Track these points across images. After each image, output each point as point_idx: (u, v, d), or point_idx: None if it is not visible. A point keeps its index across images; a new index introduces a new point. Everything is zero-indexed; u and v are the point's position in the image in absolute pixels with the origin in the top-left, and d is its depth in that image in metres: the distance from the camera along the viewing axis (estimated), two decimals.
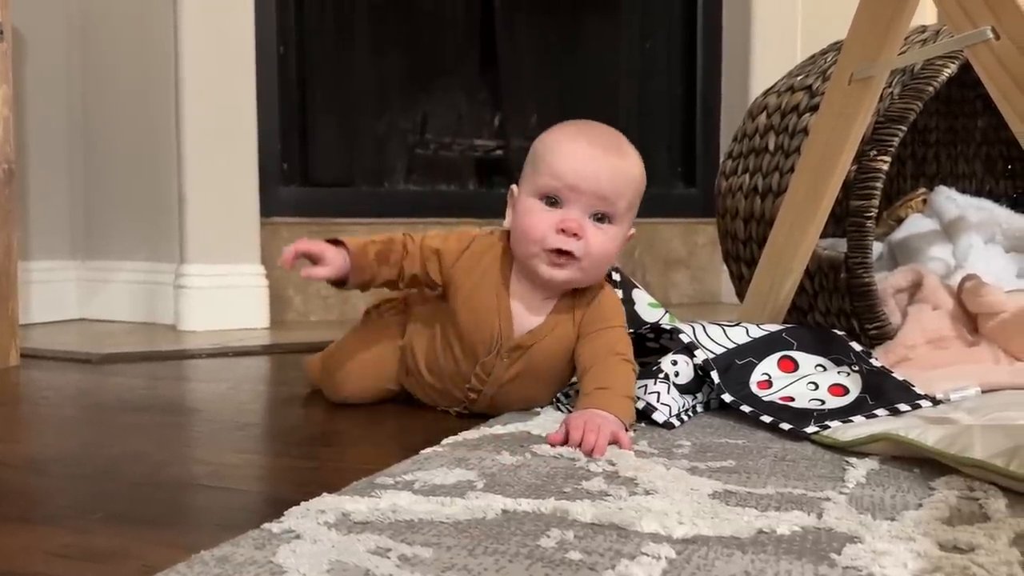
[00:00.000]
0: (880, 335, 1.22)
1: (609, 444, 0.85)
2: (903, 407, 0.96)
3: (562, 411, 1.04)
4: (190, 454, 0.95)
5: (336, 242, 1.00)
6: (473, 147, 2.44)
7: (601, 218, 0.96)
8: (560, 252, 0.94)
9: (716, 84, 2.49)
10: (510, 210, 1.01)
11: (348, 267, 0.99)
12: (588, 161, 0.95)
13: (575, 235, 0.94)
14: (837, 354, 1.08)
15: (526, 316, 0.99)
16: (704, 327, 1.08)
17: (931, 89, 1.22)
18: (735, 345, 1.07)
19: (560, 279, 0.96)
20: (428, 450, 0.85)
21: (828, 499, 0.70)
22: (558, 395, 1.07)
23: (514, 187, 1.01)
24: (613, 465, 0.80)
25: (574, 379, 1.03)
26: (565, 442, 0.85)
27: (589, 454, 0.82)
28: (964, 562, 0.56)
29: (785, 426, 0.92)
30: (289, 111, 2.15)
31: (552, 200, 0.95)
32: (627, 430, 0.89)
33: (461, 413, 1.06)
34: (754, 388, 1.02)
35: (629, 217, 0.99)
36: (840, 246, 1.27)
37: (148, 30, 1.97)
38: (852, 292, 1.24)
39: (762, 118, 1.48)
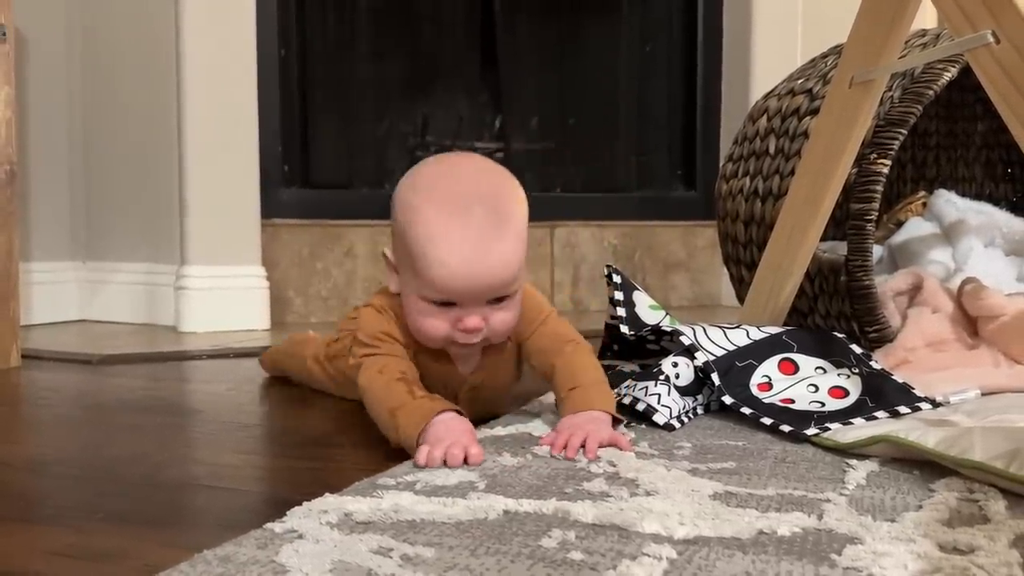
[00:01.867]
0: (880, 338, 1.22)
1: (608, 446, 0.85)
2: (903, 409, 0.96)
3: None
4: (191, 455, 0.95)
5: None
6: (473, 149, 2.44)
7: (500, 299, 0.90)
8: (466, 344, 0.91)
9: (716, 87, 2.49)
10: (392, 276, 0.94)
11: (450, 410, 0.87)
12: (473, 266, 0.85)
13: (478, 330, 0.89)
14: (837, 356, 1.08)
15: (467, 365, 0.98)
16: (704, 329, 1.09)
17: (931, 93, 1.22)
18: (735, 347, 1.07)
19: (473, 352, 0.96)
20: None
21: (828, 500, 0.70)
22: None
23: (387, 252, 0.94)
24: (614, 466, 0.80)
25: None
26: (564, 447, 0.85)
27: (588, 453, 0.83)
28: (964, 563, 0.56)
29: (785, 428, 0.93)
30: (290, 113, 2.15)
31: (443, 302, 0.88)
32: (616, 422, 0.90)
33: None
34: (754, 390, 1.02)
35: (523, 274, 0.92)
36: (840, 249, 1.28)
37: (150, 31, 1.98)
38: (852, 295, 1.24)
39: (762, 121, 1.49)
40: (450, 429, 0.83)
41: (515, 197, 0.90)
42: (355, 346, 0.96)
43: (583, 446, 0.84)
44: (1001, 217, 1.50)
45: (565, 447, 0.84)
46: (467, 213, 0.86)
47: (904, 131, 1.21)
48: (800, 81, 1.46)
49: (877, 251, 1.47)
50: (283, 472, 0.91)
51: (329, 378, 1.22)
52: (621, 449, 0.85)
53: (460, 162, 0.95)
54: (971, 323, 1.22)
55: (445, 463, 0.79)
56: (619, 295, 1.13)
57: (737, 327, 1.11)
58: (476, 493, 0.71)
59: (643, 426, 0.97)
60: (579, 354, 0.97)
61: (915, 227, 1.49)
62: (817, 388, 1.03)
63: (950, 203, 1.51)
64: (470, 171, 0.91)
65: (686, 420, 0.99)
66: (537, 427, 0.96)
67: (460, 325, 0.89)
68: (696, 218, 2.48)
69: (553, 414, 1.03)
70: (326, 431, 1.06)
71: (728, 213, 1.53)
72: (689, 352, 1.04)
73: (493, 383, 1.02)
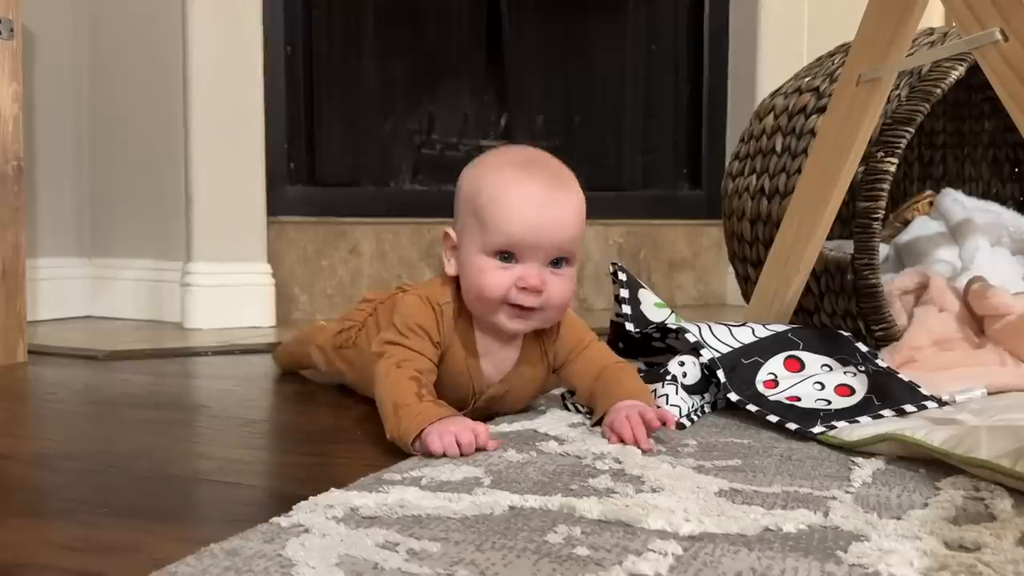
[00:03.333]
0: (886, 336, 1.22)
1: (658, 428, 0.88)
2: (909, 408, 0.96)
3: (569, 409, 1.04)
4: (197, 450, 0.96)
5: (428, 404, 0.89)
6: (479, 147, 2.44)
7: (559, 262, 0.91)
8: (522, 306, 0.91)
9: (722, 85, 2.49)
10: (451, 259, 0.95)
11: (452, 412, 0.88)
12: (542, 212, 0.88)
13: (539, 291, 0.90)
14: (843, 355, 1.08)
15: (496, 370, 0.98)
16: (710, 327, 1.09)
17: (938, 91, 1.22)
18: (741, 344, 1.07)
19: (524, 329, 0.95)
20: None
21: (834, 498, 0.70)
22: (564, 392, 1.07)
23: (450, 231, 0.96)
24: (620, 463, 0.80)
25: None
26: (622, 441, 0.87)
27: (651, 427, 0.86)
28: (970, 560, 0.56)
29: (791, 426, 0.93)
30: (296, 110, 2.15)
31: (506, 255, 0.90)
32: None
33: None
34: (760, 387, 1.02)
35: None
36: (847, 247, 1.27)
37: (156, 29, 1.98)
38: (858, 293, 1.24)
39: (769, 119, 1.48)
40: (455, 420, 0.84)
41: (572, 174, 0.95)
42: (386, 330, 0.96)
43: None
44: (1008, 216, 1.50)
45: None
46: (535, 168, 0.92)
47: (911, 129, 1.21)
48: (807, 79, 1.46)
49: (883, 250, 1.47)
50: (289, 467, 0.91)
51: (334, 368, 1.21)
52: (667, 424, 0.88)
53: (521, 146, 1.00)
54: (977, 322, 1.22)
55: (459, 447, 0.81)
56: (624, 293, 1.13)
57: (743, 325, 1.11)
58: (482, 488, 0.71)
59: None
60: (624, 370, 0.98)
61: (922, 226, 1.49)
62: (823, 386, 1.03)
63: (957, 202, 1.51)
64: (531, 150, 0.97)
65: (696, 418, 1.00)
66: (543, 424, 0.96)
67: (521, 282, 0.90)
68: (701, 217, 2.48)
69: (558, 409, 1.03)
70: (332, 427, 1.06)
71: (734, 211, 1.52)
72: (695, 350, 1.04)
73: (514, 397, 1.01)
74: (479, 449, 0.82)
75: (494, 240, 0.89)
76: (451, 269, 0.96)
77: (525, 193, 0.89)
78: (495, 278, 0.90)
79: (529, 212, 0.88)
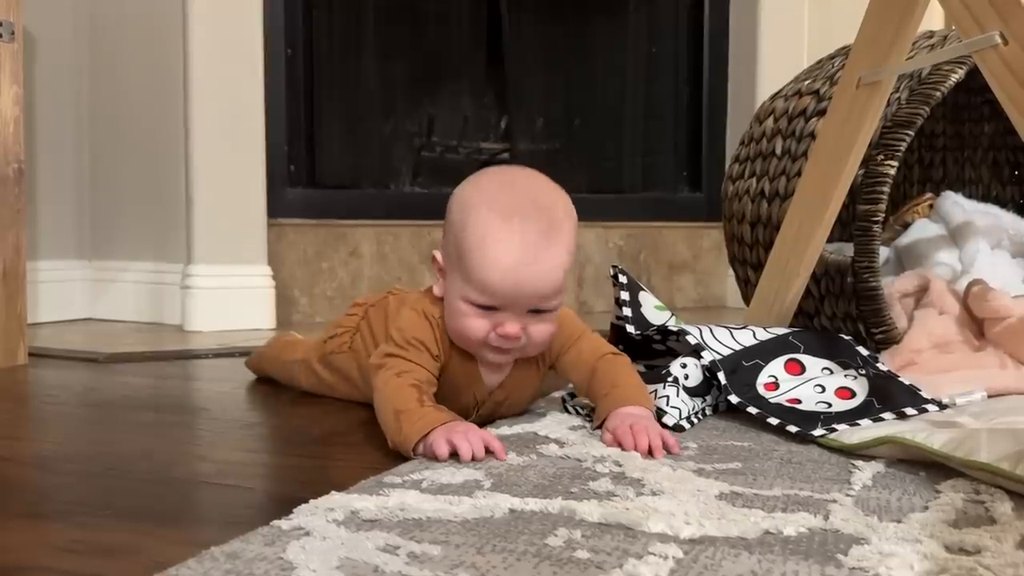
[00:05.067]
0: (886, 339, 1.22)
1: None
2: (909, 411, 0.96)
3: (569, 412, 1.04)
4: (197, 452, 0.96)
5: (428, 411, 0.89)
6: (479, 149, 2.45)
7: (541, 311, 0.91)
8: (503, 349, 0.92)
9: (722, 88, 2.49)
10: (439, 279, 0.95)
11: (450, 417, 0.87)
12: (523, 271, 0.86)
13: (517, 339, 0.90)
14: (844, 357, 1.08)
15: (495, 375, 0.98)
16: (711, 329, 1.09)
17: (938, 94, 1.22)
18: (742, 347, 1.07)
19: (507, 361, 0.96)
20: None
21: (834, 501, 0.70)
22: (564, 395, 1.07)
23: (438, 256, 0.95)
24: (620, 466, 0.80)
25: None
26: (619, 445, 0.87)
27: (649, 454, 0.84)
28: (971, 564, 0.56)
29: (792, 428, 0.93)
30: (296, 113, 2.16)
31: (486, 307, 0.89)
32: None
33: None
34: (761, 390, 1.02)
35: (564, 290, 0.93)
36: (847, 250, 1.27)
37: (157, 31, 1.98)
38: (859, 296, 1.24)
39: (769, 122, 1.48)
40: (460, 423, 0.84)
41: (568, 213, 0.92)
42: (384, 343, 0.96)
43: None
44: (1008, 219, 1.50)
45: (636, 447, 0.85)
46: (523, 220, 0.88)
47: (911, 132, 1.21)
48: (807, 82, 1.46)
49: (884, 253, 1.47)
50: (290, 470, 0.91)
51: (320, 381, 1.20)
52: (670, 451, 0.86)
53: (520, 174, 0.96)
54: (977, 325, 1.22)
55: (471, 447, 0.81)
56: (625, 295, 1.13)
57: (743, 328, 1.11)
58: (482, 492, 0.71)
59: None
60: (618, 361, 0.98)
61: (921, 229, 1.49)
62: (824, 389, 1.03)
63: (957, 205, 1.51)
64: (530, 183, 0.94)
65: (696, 421, 1.00)
66: (543, 427, 0.96)
67: (500, 330, 0.89)
68: (701, 219, 2.48)
69: (558, 412, 1.04)
70: (332, 430, 1.06)
71: (734, 214, 1.52)
72: (696, 352, 1.04)
73: (513, 400, 1.01)
74: (489, 453, 0.82)
75: (472, 293, 0.89)
76: (439, 290, 0.95)
77: (507, 252, 0.86)
78: (474, 324, 0.90)
79: (510, 273, 0.87)
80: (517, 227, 0.87)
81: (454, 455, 0.81)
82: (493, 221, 0.88)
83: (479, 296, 0.89)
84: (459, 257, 0.90)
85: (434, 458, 0.81)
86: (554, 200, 0.92)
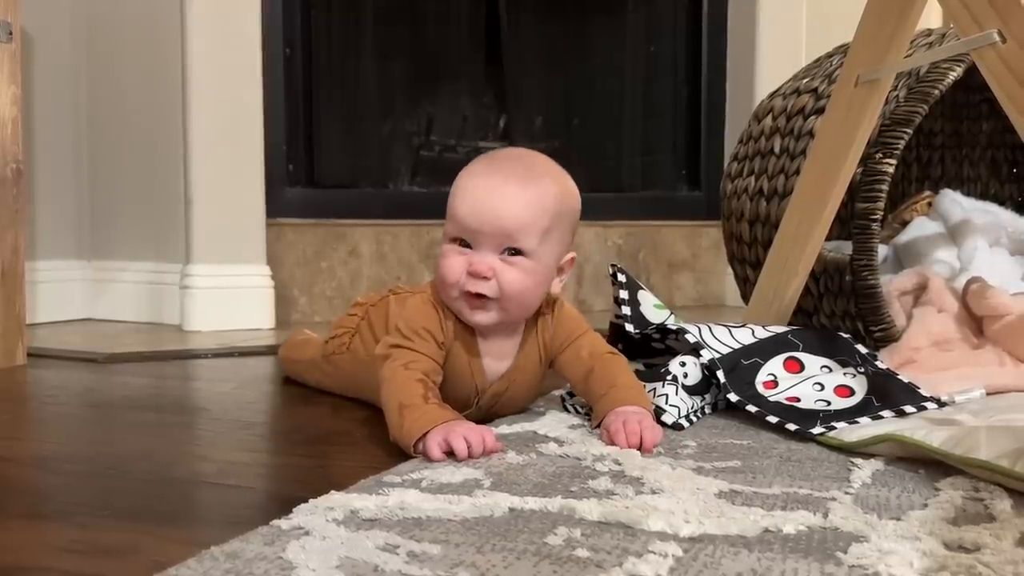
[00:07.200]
0: (885, 337, 1.22)
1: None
2: (909, 409, 0.96)
3: (568, 411, 1.04)
4: (197, 452, 0.96)
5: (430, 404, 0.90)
6: (478, 149, 2.45)
7: (513, 252, 0.91)
8: (476, 295, 0.92)
9: (721, 86, 2.49)
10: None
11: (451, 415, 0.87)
12: (484, 199, 0.90)
13: (484, 277, 0.91)
14: (843, 356, 1.08)
15: (497, 366, 0.98)
16: (710, 328, 1.09)
17: (937, 92, 1.22)
18: (741, 345, 1.07)
19: (484, 323, 0.94)
20: None
21: (834, 499, 0.70)
22: (563, 394, 1.07)
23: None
24: (619, 465, 0.80)
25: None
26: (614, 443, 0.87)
27: (648, 450, 0.85)
28: (970, 561, 0.56)
29: (791, 426, 0.93)
30: (295, 112, 2.15)
31: (464, 242, 0.92)
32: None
33: None
34: (760, 388, 1.02)
35: (554, 245, 0.93)
36: (845, 248, 1.28)
37: (155, 31, 1.98)
38: (857, 294, 1.24)
39: (768, 120, 1.49)
40: (460, 423, 0.84)
41: (555, 175, 0.95)
42: (390, 334, 0.97)
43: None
44: (1006, 217, 1.50)
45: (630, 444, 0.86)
46: (503, 163, 0.94)
47: (909, 130, 1.21)
48: (805, 80, 1.46)
49: (882, 251, 1.47)
50: (289, 469, 0.91)
51: (329, 380, 1.22)
52: (644, 445, 0.86)
53: (520, 149, 1.00)
54: (976, 322, 1.22)
55: (468, 447, 0.81)
56: (624, 294, 1.13)
57: (742, 326, 1.11)
58: (482, 491, 0.71)
59: None
60: (616, 361, 0.99)
61: (920, 227, 1.49)
62: (823, 387, 1.03)
63: (955, 203, 1.51)
64: (524, 152, 0.98)
65: (695, 419, 1.00)
66: (543, 425, 0.96)
67: (469, 268, 0.91)
68: (700, 218, 2.48)
69: (558, 411, 1.04)
70: (332, 429, 1.06)
71: (733, 212, 1.53)
72: (695, 351, 1.04)
73: (514, 393, 1.01)
74: (486, 453, 0.82)
75: (450, 226, 0.93)
76: None
77: (476, 183, 0.92)
78: (451, 261, 0.92)
79: (473, 199, 0.91)
80: (495, 167, 0.93)
81: (450, 454, 0.81)
82: (477, 167, 0.94)
83: (453, 228, 0.92)
84: (449, 205, 0.94)
85: (430, 458, 0.81)
86: (542, 164, 0.96)
